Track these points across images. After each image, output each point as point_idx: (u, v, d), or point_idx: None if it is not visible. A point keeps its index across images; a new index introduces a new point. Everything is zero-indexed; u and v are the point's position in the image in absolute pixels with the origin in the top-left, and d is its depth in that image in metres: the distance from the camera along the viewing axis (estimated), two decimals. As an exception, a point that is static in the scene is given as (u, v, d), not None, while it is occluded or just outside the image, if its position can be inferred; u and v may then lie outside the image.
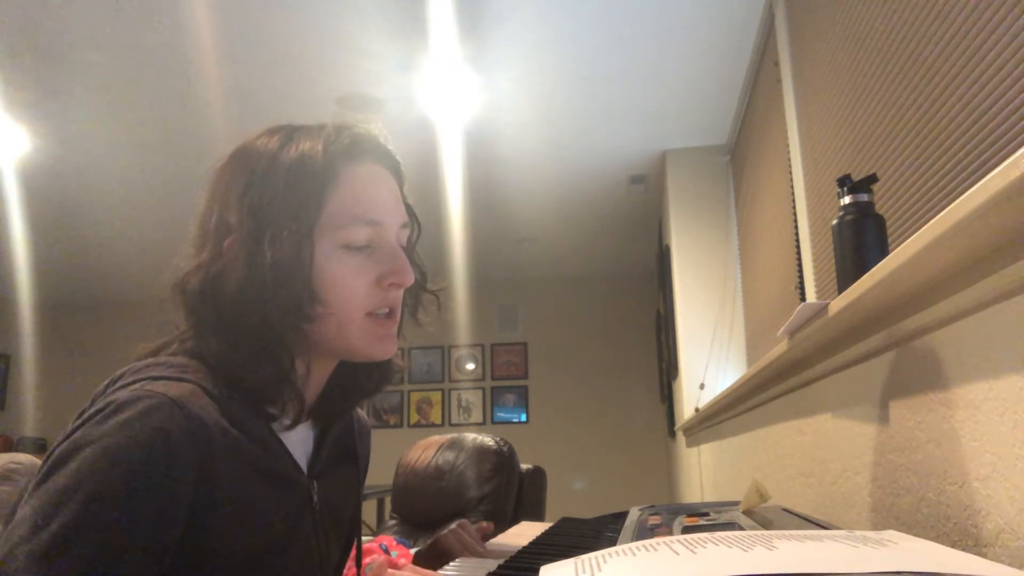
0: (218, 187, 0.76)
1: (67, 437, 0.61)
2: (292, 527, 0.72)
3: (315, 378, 0.77)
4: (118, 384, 0.66)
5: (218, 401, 0.66)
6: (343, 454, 0.86)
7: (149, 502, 0.59)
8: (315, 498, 0.77)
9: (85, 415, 0.63)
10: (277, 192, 0.71)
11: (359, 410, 0.93)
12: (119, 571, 0.57)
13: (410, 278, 0.76)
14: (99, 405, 0.63)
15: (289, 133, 0.76)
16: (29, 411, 6.29)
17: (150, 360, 0.70)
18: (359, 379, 0.84)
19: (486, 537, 1.12)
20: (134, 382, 0.65)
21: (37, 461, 2.20)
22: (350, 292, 0.73)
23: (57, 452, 0.60)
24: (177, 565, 0.62)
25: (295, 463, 0.74)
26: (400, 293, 0.78)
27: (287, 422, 0.73)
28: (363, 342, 0.75)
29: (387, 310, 0.76)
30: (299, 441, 0.77)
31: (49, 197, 4.07)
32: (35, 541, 0.55)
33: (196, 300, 0.72)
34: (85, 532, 0.56)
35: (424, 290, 0.85)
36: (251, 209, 0.71)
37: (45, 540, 0.55)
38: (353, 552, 0.90)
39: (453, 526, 1.05)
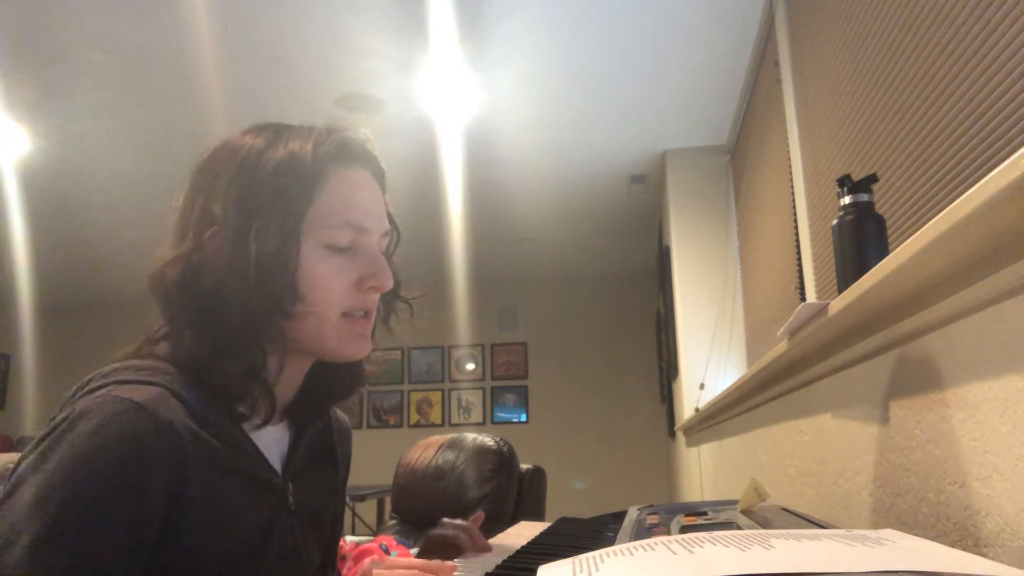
0: (202, 179, 0.75)
1: (34, 447, 0.61)
2: (267, 528, 0.72)
3: (288, 378, 0.77)
4: (85, 389, 0.65)
5: (187, 404, 0.66)
6: (321, 455, 0.86)
7: (120, 509, 0.58)
8: (291, 499, 0.76)
9: (53, 422, 0.62)
10: (265, 186, 0.71)
11: (339, 411, 0.92)
12: None
13: (389, 282, 0.76)
14: (65, 412, 0.62)
15: (278, 131, 0.75)
16: (29, 411, 6.29)
17: (117, 364, 0.69)
18: (331, 382, 0.83)
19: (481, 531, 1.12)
20: (100, 387, 0.64)
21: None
22: (329, 291, 0.73)
23: (25, 463, 0.59)
24: (153, 569, 0.61)
25: (268, 464, 0.74)
26: (377, 297, 0.78)
27: (258, 421, 0.72)
28: (337, 342, 0.75)
29: (363, 312, 0.76)
30: (273, 442, 0.77)
31: (49, 197, 4.07)
32: (7, 556, 0.54)
33: (174, 291, 0.71)
34: (57, 543, 0.55)
35: (398, 298, 0.85)
36: (238, 201, 0.70)
37: (17, 554, 0.54)
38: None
39: (443, 521, 1.04)
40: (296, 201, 0.71)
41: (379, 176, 0.80)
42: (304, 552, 0.78)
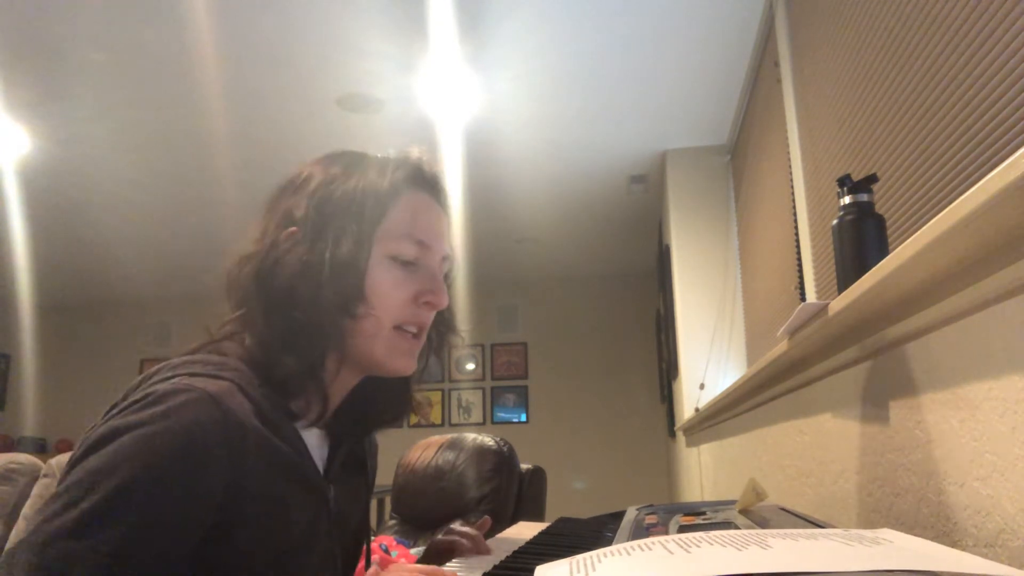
0: (287, 189, 0.80)
1: (104, 422, 0.63)
2: (312, 529, 0.74)
3: (340, 383, 0.79)
4: (155, 378, 0.68)
5: (253, 400, 0.68)
6: (354, 464, 0.88)
7: (179, 492, 0.60)
8: (331, 502, 0.78)
9: (122, 404, 0.64)
10: (344, 197, 0.77)
11: None
12: (142, 556, 0.58)
13: (444, 300, 0.80)
14: (137, 395, 0.64)
15: (357, 159, 0.81)
16: (29, 411, 6.29)
17: (187, 357, 0.72)
18: (379, 404, 0.87)
19: (485, 535, 1.12)
20: (172, 376, 0.67)
21: (37, 461, 2.19)
22: (388, 300, 0.77)
23: (94, 436, 0.62)
24: (204, 562, 0.62)
25: (315, 465, 0.76)
26: (431, 316, 0.81)
27: (307, 422, 0.75)
28: (386, 353, 0.78)
29: (415, 329, 0.80)
30: (316, 446, 0.79)
31: (49, 197, 4.07)
32: (64, 518, 0.56)
33: (250, 284, 0.75)
34: (114, 515, 0.57)
35: (451, 330, 0.90)
36: (318, 206, 0.76)
37: (74, 518, 0.56)
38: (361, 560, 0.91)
39: (450, 527, 1.05)
40: (371, 212, 0.77)
41: (446, 206, 0.86)
42: (337, 557, 0.80)
